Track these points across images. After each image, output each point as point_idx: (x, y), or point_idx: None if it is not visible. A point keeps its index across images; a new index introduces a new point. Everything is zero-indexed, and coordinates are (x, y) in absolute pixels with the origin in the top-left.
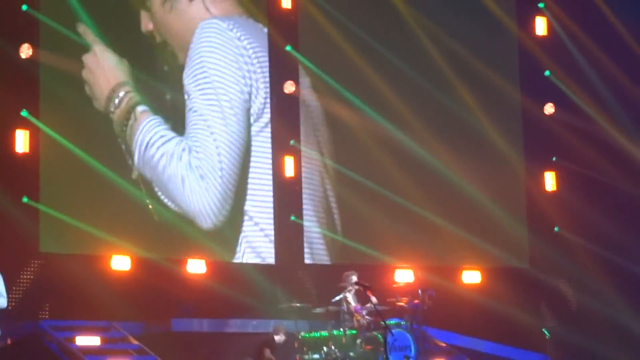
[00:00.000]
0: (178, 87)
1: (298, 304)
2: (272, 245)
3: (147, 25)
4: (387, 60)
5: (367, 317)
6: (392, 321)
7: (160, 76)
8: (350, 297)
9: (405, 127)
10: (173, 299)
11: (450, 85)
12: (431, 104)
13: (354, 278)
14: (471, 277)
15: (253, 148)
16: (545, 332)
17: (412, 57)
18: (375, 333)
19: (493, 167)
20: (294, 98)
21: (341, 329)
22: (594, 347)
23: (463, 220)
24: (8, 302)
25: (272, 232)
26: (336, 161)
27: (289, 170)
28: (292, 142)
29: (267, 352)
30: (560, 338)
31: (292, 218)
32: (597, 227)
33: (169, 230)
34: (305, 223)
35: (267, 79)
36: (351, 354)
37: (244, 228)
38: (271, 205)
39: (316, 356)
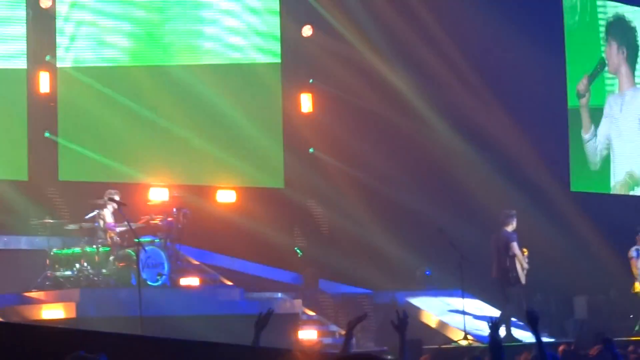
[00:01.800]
0: None
1: (50, 220)
2: (25, 161)
3: None
4: None
5: (120, 234)
6: (146, 239)
7: None
8: (106, 214)
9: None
10: None
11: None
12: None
13: (114, 196)
14: (226, 196)
15: (9, 63)
16: (298, 251)
17: None
18: (128, 250)
19: (250, 87)
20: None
21: (94, 246)
22: (344, 264)
23: (220, 140)
24: None
25: (26, 148)
26: (93, 77)
27: (44, 86)
28: (47, 57)
29: None
30: (312, 257)
31: (46, 134)
32: (351, 149)
33: None
34: (59, 140)
35: None
36: (104, 270)
37: None
38: (25, 120)
39: (68, 273)
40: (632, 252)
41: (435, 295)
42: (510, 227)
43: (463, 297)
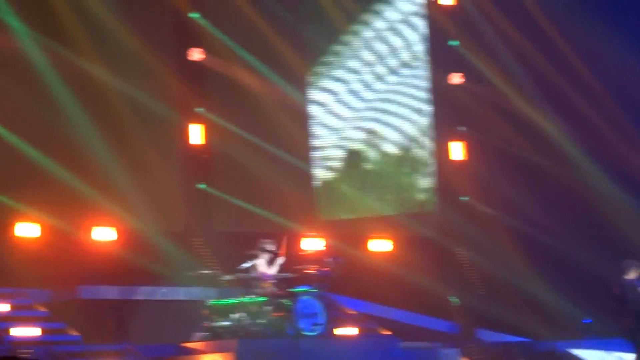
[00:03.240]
0: None
1: (206, 271)
2: (180, 212)
3: None
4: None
5: (275, 284)
6: (301, 288)
7: None
8: (260, 264)
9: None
10: (81, 266)
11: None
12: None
13: (268, 245)
14: (380, 245)
15: (160, 115)
16: (453, 299)
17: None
18: (284, 300)
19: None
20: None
21: (250, 296)
22: (500, 314)
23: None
24: None
25: (181, 200)
26: (244, 128)
27: (195, 137)
28: (199, 109)
29: None
30: (467, 306)
31: (202, 186)
32: (504, 196)
33: (78, 196)
34: (214, 191)
35: None
36: (260, 321)
37: (153, 195)
38: (179, 172)
39: (225, 323)
40: None
41: (597, 345)
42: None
43: (626, 347)
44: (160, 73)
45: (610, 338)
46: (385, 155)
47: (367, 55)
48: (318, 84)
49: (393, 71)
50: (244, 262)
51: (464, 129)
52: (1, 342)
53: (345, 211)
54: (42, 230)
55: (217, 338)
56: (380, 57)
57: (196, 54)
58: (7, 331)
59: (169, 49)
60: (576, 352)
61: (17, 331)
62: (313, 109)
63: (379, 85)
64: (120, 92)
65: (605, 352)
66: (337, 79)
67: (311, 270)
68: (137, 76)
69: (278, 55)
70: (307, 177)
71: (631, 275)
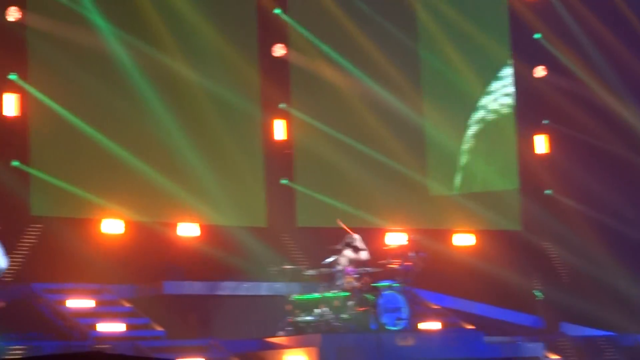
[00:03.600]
0: None
1: (290, 266)
2: (264, 208)
3: None
4: (376, 22)
5: (359, 279)
6: (384, 283)
7: None
8: (344, 259)
9: (395, 90)
10: (165, 262)
11: (438, 46)
12: (420, 65)
13: (351, 239)
14: (463, 239)
15: (243, 111)
16: (537, 293)
17: (399, 17)
18: (367, 295)
19: (484, 129)
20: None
21: (333, 291)
22: (585, 308)
23: (456, 184)
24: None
25: (264, 195)
26: (327, 124)
27: (279, 133)
28: (282, 105)
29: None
30: (551, 300)
31: (284, 181)
32: (588, 189)
33: (161, 193)
34: (296, 186)
35: None
36: (343, 315)
37: (236, 191)
38: (263, 168)
39: (308, 318)
40: None
41: None
42: None
43: None
44: (244, 69)
45: None
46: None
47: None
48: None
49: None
50: (327, 257)
51: (547, 122)
52: (87, 338)
53: (428, 205)
54: (126, 227)
55: (300, 333)
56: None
57: (279, 50)
58: (93, 327)
59: (252, 46)
60: None
61: (102, 327)
62: (394, 103)
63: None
64: (204, 89)
65: None
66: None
67: (394, 264)
68: (220, 73)
69: (361, 50)
70: (390, 171)
71: None
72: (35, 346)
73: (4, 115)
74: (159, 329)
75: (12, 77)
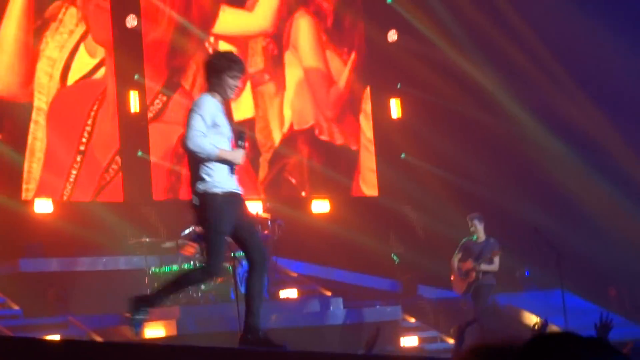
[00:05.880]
0: None
1: (147, 239)
2: (120, 181)
3: None
4: None
5: None
6: (242, 253)
7: None
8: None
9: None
10: (20, 240)
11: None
12: None
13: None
14: (320, 206)
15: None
16: (395, 257)
17: None
18: (225, 265)
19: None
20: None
21: (191, 262)
22: (442, 269)
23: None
24: None
25: (119, 169)
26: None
27: (134, 105)
28: (136, 76)
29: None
30: (409, 263)
31: (139, 153)
32: (443, 152)
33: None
34: (152, 158)
35: None
36: (202, 287)
37: (89, 166)
38: (117, 141)
39: None
40: None
41: (536, 296)
42: None
43: (563, 296)
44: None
45: (549, 289)
46: None
47: None
48: None
49: None
50: (185, 228)
51: (399, 86)
52: None
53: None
54: None
55: (159, 306)
56: None
57: (131, 21)
58: None
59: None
60: (516, 302)
61: None
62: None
63: None
64: None
65: (541, 301)
66: None
67: None
68: None
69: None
70: None
71: None
72: None
73: None
74: (16, 307)
75: None
